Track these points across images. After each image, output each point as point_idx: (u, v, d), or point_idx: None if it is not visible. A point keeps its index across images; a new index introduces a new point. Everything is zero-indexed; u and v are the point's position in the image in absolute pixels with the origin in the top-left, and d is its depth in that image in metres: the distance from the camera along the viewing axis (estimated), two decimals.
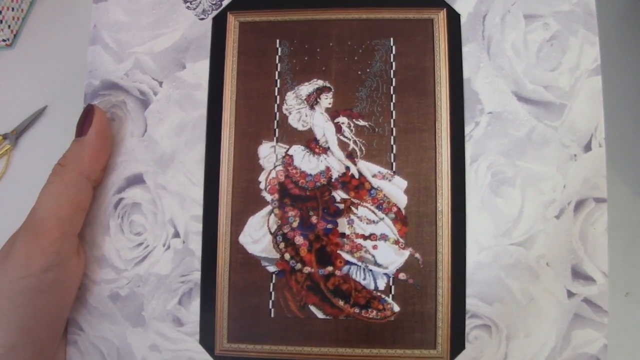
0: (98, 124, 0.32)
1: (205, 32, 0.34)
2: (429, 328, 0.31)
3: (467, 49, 0.32)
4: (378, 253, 0.31)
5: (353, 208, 0.32)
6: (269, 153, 0.32)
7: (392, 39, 0.33)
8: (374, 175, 0.32)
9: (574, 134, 0.32)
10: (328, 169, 0.32)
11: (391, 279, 0.31)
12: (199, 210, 0.32)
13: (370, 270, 0.31)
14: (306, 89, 0.33)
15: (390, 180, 0.32)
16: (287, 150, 0.32)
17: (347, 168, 0.32)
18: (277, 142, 0.32)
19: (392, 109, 0.32)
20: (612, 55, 0.45)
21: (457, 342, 0.31)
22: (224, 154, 0.32)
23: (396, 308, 0.31)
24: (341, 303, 0.31)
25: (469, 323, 0.31)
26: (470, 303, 0.31)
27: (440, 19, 0.33)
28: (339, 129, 0.32)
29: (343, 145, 0.32)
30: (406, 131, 0.32)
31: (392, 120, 0.32)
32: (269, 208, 0.32)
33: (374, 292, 0.31)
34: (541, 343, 0.31)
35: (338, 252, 0.31)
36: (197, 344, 0.32)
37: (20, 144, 0.50)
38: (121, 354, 0.32)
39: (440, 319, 0.31)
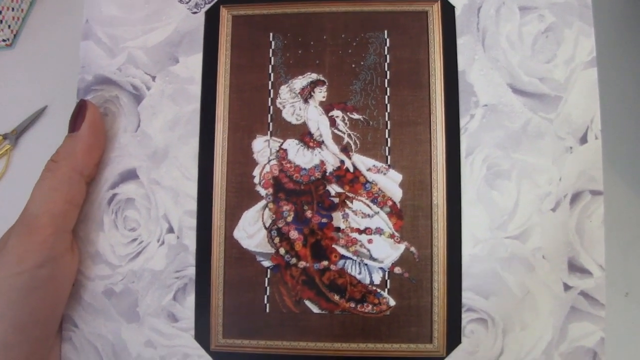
0: (91, 119, 0.32)
1: (198, 25, 0.33)
2: (425, 322, 0.31)
3: (461, 41, 0.32)
4: (373, 247, 0.31)
5: (348, 202, 0.31)
6: (262, 147, 0.32)
7: (386, 31, 0.32)
8: (369, 169, 0.32)
9: (570, 126, 0.32)
10: (322, 162, 0.32)
11: (387, 273, 0.31)
12: (193, 205, 0.32)
13: (366, 264, 0.31)
14: (300, 82, 0.32)
15: (385, 174, 0.31)
16: (281, 144, 0.32)
17: (342, 162, 0.32)
18: (271, 136, 0.32)
19: (386, 102, 0.32)
20: (608, 47, 0.45)
21: (453, 336, 0.31)
22: (217, 148, 0.32)
23: (392, 302, 0.31)
24: (336, 298, 0.31)
25: (465, 317, 0.31)
26: (466, 297, 0.31)
27: (434, 11, 0.32)
28: (333, 122, 0.32)
29: (337, 138, 0.32)
30: (401, 124, 0.32)
31: (386, 114, 0.32)
32: (263, 202, 0.32)
33: (370, 286, 0.31)
34: (538, 336, 0.31)
35: (333, 246, 0.31)
36: (192, 340, 0.32)
37: (20, 144, 0.50)
38: (116, 350, 0.32)
39: (436, 313, 0.31)
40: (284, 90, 0.32)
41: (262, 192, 0.32)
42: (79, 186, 0.31)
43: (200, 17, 0.33)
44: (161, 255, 0.32)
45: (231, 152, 0.32)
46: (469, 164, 0.31)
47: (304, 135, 0.32)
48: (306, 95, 0.32)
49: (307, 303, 0.31)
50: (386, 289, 0.31)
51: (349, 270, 0.31)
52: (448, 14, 0.32)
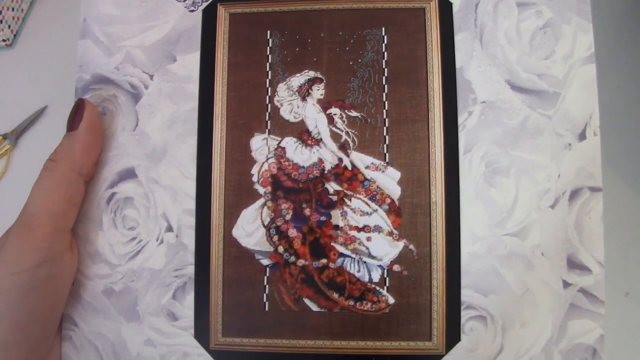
0: (89, 118, 0.32)
1: (195, 24, 0.33)
2: (424, 320, 0.31)
3: (459, 38, 0.32)
4: (372, 245, 0.31)
5: (346, 200, 0.31)
6: (261, 145, 0.32)
7: (383, 28, 0.32)
8: (367, 167, 0.32)
9: (568, 123, 0.31)
10: (321, 160, 0.32)
11: (385, 270, 0.31)
12: (191, 204, 0.32)
13: (365, 262, 0.31)
14: (297, 80, 0.32)
15: (383, 172, 0.31)
16: (279, 142, 0.32)
17: (340, 159, 0.32)
18: (269, 134, 0.32)
19: (384, 99, 0.32)
20: (607, 43, 0.45)
21: (453, 333, 0.31)
22: (215, 146, 0.32)
23: (391, 300, 0.31)
24: (335, 295, 0.31)
25: (464, 314, 0.31)
26: (466, 294, 0.31)
27: (432, 7, 0.32)
28: (331, 120, 0.32)
29: (335, 136, 0.32)
30: (399, 122, 0.32)
31: (384, 111, 0.32)
32: (261, 201, 0.32)
33: (369, 284, 0.31)
34: (537, 333, 0.31)
35: (332, 244, 0.31)
36: (192, 339, 0.32)
37: (20, 144, 0.50)
38: (116, 349, 0.32)
39: (435, 310, 0.31)
40: (281, 88, 0.32)
41: (261, 190, 0.32)
42: (78, 185, 0.31)
43: (198, 15, 0.33)
44: (160, 254, 0.32)
45: (229, 151, 0.32)
46: (468, 161, 0.31)
47: (302, 133, 0.32)
48: (304, 93, 0.32)
49: (306, 301, 0.31)
50: (385, 287, 0.31)
51: (347, 268, 0.31)
52: (445, 10, 0.32)
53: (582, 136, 0.31)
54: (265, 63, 0.33)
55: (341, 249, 0.31)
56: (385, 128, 0.32)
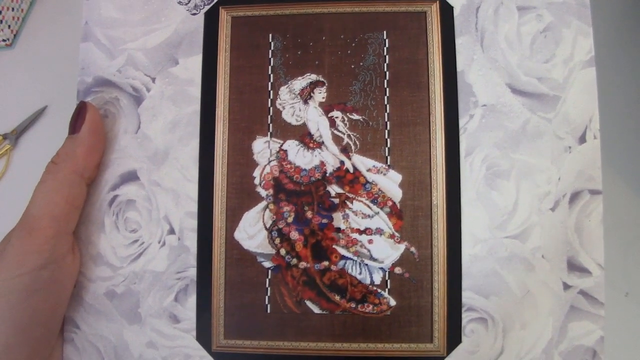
0: (91, 121, 0.32)
1: (197, 27, 0.33)
2: (426, 322, 0.31)
3: (460, 42, 0.32)
4: (373, 247, 0.31)
5: (348, 202, 0.32)
6: (263, 148, 0.32)
7: (385, 32, 0.33)
8: (369, 170, 0.32)
9: (569, 126, 0.32)
10: (322, 163, 0.32)
11: (387, 273, 0.31)
12: (193, 207, 0.32)
13: (366, 264, 0.31)
14: (299, 83, 0.32)
15: (384, 174, 0.32)
16: (281, 145, 0.32)
17: (342, 162, 0.32)
18: (271, 137, 0.32)
19: (386, 102, 0.32)
20: (607, 46, 0.45)
21: (454, 335, 0.31)
22: (218, 149, 0.32)
23: (392, 302, 0.31)
24: (337, 298, 0.31)
25: (465, 316, 0.31)
26: (466, 296, 0.31)
27: (433, 11, 0.32)
28: (332, 123, 0.32)
29: (337, 139, 0.32)
30: (400, 125, 0.32)
31: (386, 114, 0.32)
32: (263, 203, 0.32)
33: (370, 286, 0.31)
34: (537, 335, 0.31)
35: (333, 246, 0.31)
36: (194, 341, 0.32)
37: (20, 144, 0.50)
38: (118, 352, 0.32)
39: (437, 312, 0.31)
40: (283, 91, 0.32)
41: (263, 193, 0.32)
42: (80, 188, 0.31)
43: (200, 19, 0.33)
44: (162, 256, 0.32)
45: (231, 154, 0.32)
46: (469, 164, 0.32)
47: (304, 136, 0.32)
48: (306, 96, 0.32)
49: (308, 303, 0.31)
50: (386, 289, 0.31)
51: (349, 271, 0.31)
52: (447, 14, 0.32)
53: (582, 139, 0.32)
54: (267, 66, 0.33)
55: (343, 251, 0.31)
56: (386, 131, 0.32)
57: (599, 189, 0.31)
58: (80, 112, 0.32)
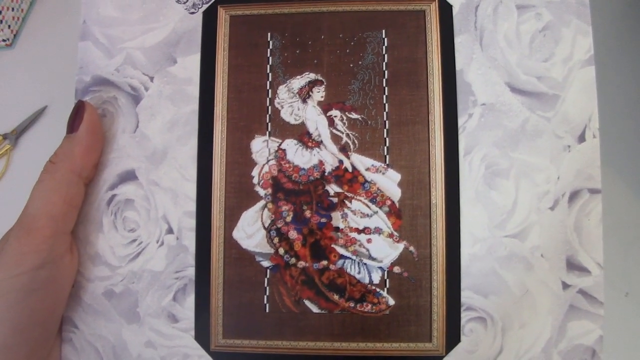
0: (89, 120, 0.31)
1: (195, 26, 0.33)
2: (424, 321, 0.31)
3: (459, 40, 0.32)
4: (372, 246, 0.31)
5: (347, 202, 0.32)
6: (261, 147, 0.32)
7: (384, 31, 0.32)
8: (368, 169, 0.32)
9: (568, 125, 0.32)
10: (321, 162, 0.32)
11: (386, 272, 0.31)
12: (192, 206, 0.32)
13: (365, 264, 0.31)
14: (298, 82, 0.32)
15: (383, 174, 0.32)
16: (280, 144, 0.32)
17: (340, 161, 0.32)
18: (269, 136, 0.32)
19: (384, 101, 0.32)
20: (606, 45, 0.45)
21: (453, 335, 0.31)
22: (216, 149, 0.32)
23: (391, 301, 0.31)
24: (336, 297, 0.31)
25: (464, 316, 0.31)
26: (465, 296, 0.31)
27: (432, 10, 0.32)
28: (331, 122, 0.32)
29: (336, 138, 0.32)
30: (399, 124, 0.32)
31: (384, 113, 0.32)
32: (262, 203, 0.32)
33: (369, 285, 0.31)
34: (537, 335, 0.31)
35: (332, 246, 0.31)
36: (193, 340, 0.32)
37: (20, 144, 0.50)
38: (117, 351, 0.32)
39: (436, 312, 0.31)
40: (282, 90, 0.32)
41: (261, 192, 0.32)
42: (78, 187, 0.31)
43: (198, 18, 0.33)
44: (161, 256, 0.32)
45: (230, 153, 0.32)
46: (468, 163, 0.31)
47: (303, 135, 0.32)
48: (304, 95, 0.32)
49: (307, 303, 0.31)
50: (385, 289, 0.31)
51: (348, 270, 0.31)
52: (445, 12, 0.32)
53: (582, 138, 0.31)
54: (266, 65, 0.33)
55: (342, 250, 0.31)
56: (385, 130, 0.32)
57: (598, 188, 0.31)
58: (78, 112, 0.32)
